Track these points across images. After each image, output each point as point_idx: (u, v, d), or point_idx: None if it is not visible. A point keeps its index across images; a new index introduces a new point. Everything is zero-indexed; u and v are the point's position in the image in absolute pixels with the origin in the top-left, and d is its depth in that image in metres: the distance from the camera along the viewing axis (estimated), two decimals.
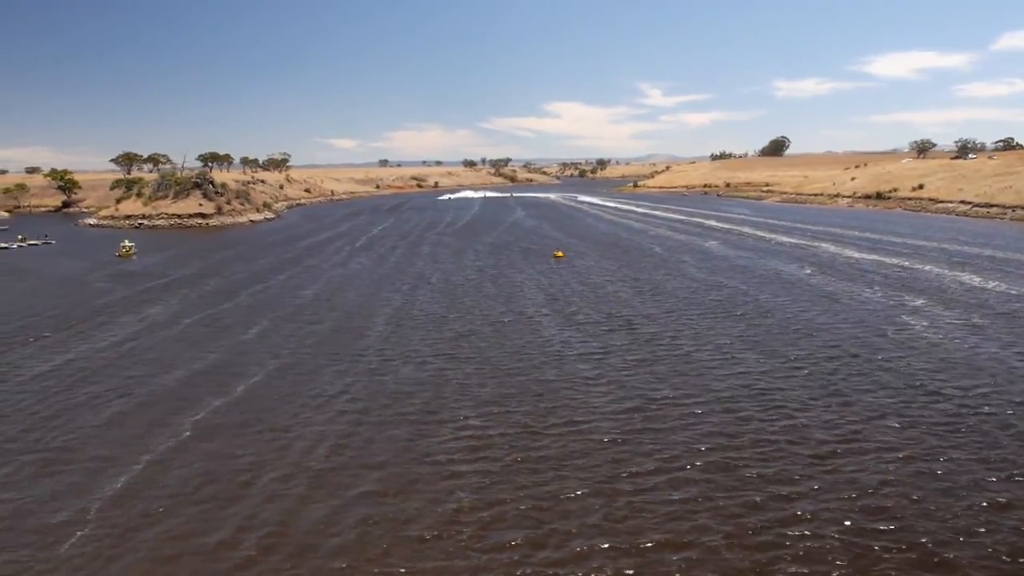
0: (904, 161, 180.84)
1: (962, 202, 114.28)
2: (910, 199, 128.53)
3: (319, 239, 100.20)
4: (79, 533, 19.60)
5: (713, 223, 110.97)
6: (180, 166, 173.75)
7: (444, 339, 39.23)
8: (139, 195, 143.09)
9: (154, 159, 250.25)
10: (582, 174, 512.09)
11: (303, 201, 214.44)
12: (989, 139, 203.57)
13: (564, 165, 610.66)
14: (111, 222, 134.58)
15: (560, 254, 76.22)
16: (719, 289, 52.34)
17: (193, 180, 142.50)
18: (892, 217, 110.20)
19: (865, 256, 68.10)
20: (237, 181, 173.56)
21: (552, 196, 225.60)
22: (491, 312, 46.16)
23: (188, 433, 26.26)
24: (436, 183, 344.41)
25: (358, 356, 36.16)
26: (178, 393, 30.84)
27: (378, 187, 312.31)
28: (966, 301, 45.84)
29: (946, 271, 57.46)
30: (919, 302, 45.81)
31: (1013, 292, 48.50)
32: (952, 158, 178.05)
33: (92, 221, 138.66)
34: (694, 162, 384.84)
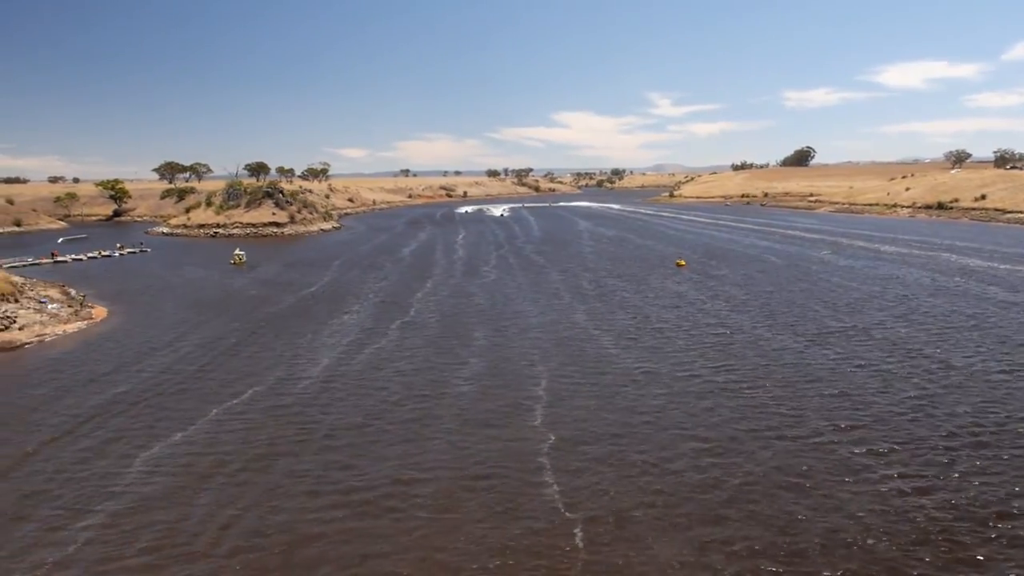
0: (953, 171, 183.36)
1: None
2: (974, 209, 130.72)
3: (411, 248, 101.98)
4: None
5: (797, 232, 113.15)
6: (235, 175, 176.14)
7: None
8: (209, 204, 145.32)
9: (195, 168, 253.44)
10: (599, 184, 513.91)
11: (349, 211, 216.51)
12: (996, 150, 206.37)
13: (578, 175, 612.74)
14: (184, 231, 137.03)
15: (682, 263, 78.46)
16: (903, 303, 54.33)
17: (264, 190, 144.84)
18: (973, 229, 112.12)
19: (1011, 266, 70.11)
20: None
21: (593, 205, 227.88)
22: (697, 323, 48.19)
23: None
24: (465, 192, 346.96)
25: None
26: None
27: (410, 196, 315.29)
28: None
29: None
30: None
31: None
32: (1006, 168, 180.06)
33: (164, 230, 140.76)
34: (715, 172, 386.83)
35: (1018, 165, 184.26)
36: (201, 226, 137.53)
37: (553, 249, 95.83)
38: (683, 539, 19.46)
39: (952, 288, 58.01)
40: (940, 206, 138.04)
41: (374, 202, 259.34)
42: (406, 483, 23.23)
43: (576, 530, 20.06)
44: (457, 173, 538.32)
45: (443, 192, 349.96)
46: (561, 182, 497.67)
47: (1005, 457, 24.06)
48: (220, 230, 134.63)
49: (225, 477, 23.89)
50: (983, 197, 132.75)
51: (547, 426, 28.34)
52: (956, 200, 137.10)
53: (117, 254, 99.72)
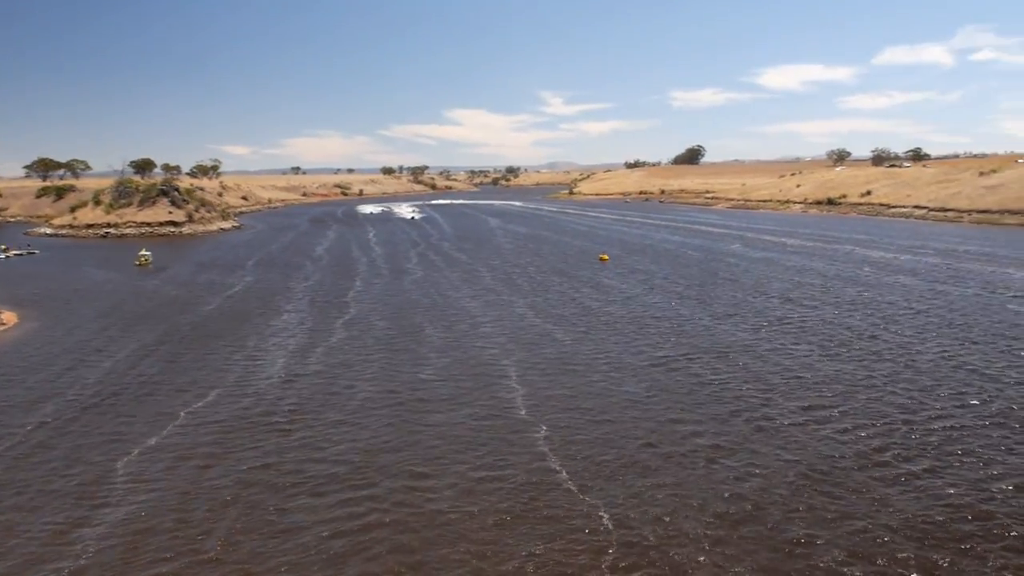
0: (837, 169, 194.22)
1: (916, 207, 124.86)
2: (861, 204, 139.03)
3: (324, 247, 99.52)
4: None
5: (702, 227, 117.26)
6: (120, 172, 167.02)
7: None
8: (98, 203, 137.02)
9: (71, 166, 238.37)
10: (495, 182, 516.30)
11: (244, 209, 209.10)
12: (867, 149, 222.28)
13: (473, 173, 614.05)
14: (71, 231, 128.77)
15: (605, 257, 79.80)
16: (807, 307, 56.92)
17: (159, 188, 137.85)
18: (863, 222, 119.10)
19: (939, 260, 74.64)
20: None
21: (495, 203, 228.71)
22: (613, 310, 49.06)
23: None
24: (361, 191, 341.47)
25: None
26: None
27: (304, 195, 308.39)
28: None
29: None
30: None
31: None
32: (885, 166, 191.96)
33: (47, 231, 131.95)
34: (609, 170, 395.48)
35: (896, 163, 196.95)
36: (90, 226, 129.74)
37: (472, 247, 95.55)
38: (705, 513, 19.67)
39: (865, 277, 61.39)
40: (830, 201, 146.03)
41: (269, 200, 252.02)
42: (418, 477, 22.51)
43: (603, 513, 19.95)
44: (350, 171, 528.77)
45: (338, 190, 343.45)
46: (456, 180, 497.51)
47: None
48: (112, 230, 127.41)
49: (210, 482, 22.49)
50: (868, 193, 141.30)
51: (533, 415, 28.17)
52: (844, 196, 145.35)
53: (3, 256, 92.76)
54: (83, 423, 28.23)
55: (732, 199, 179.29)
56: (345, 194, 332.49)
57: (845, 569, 17.03)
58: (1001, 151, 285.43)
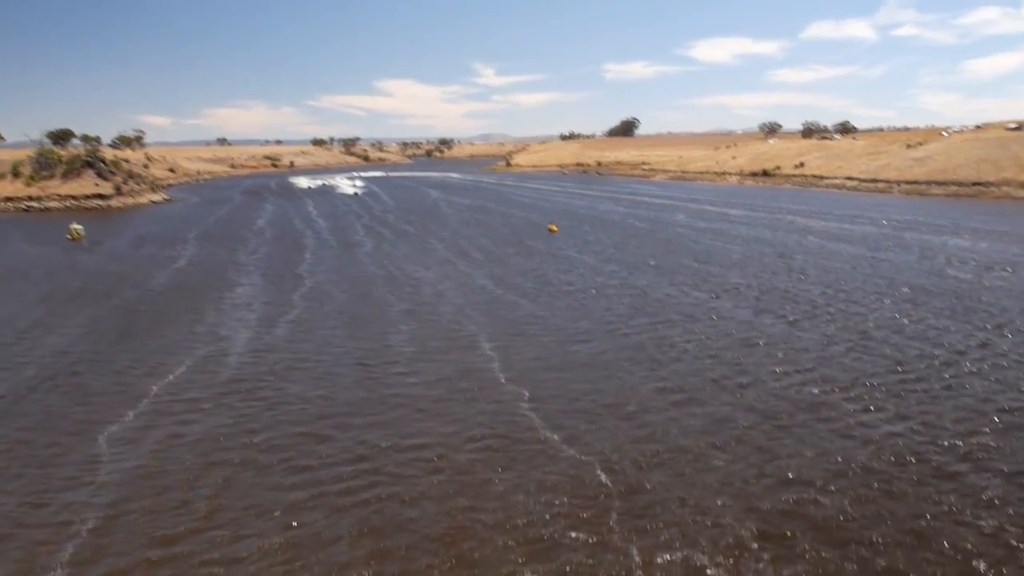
0: (771, 141, 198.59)
1: (848, 178, 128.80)
2: (795, 176, 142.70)
3: (265, 220, 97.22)
4: None
5: (645, 199, 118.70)
6: (39, 143, 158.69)
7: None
8: (17, 175, 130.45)
9: None
10: (428, 154, 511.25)
11: (171, 182, 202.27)
12: (796, 122, 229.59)
13: (405, 144, 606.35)
14: None
15: (554, 228, 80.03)
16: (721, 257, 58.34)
17: (84, 159, 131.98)
18: (799, 193, 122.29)
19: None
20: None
21: (432, 175, 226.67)
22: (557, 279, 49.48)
23: None
24: (292, 163, 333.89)
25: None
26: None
27: (232, 167, 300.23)
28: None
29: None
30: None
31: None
32: (817, 138, 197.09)
33: None
34: (544, 142, 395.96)
35: (827, 136, 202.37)
36: (9, 199, 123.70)
37: (419, 219, 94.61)
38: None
39: (811, 245, 63.23)
40: (765, 173, 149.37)
41: (198, 172, 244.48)
42: (406, 449, 22.29)
43: (601, 474, 20.15)
44: (278, 142, 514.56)
45: (268, 162, 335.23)
46: (389, 151, 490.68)
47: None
48: (34, 203, 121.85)
49: (201, 456, 21.85)
50: (802, 165, 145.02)
51: (515, 384, 28.12)
52: (778, 168, 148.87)
53: None
54: (47, 402, 26.97)
55: (669, 171, 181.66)
56: (275, 166, 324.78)
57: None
58: (922, 125, 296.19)
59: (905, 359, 29.99)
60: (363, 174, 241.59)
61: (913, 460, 20.75)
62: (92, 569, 16.34)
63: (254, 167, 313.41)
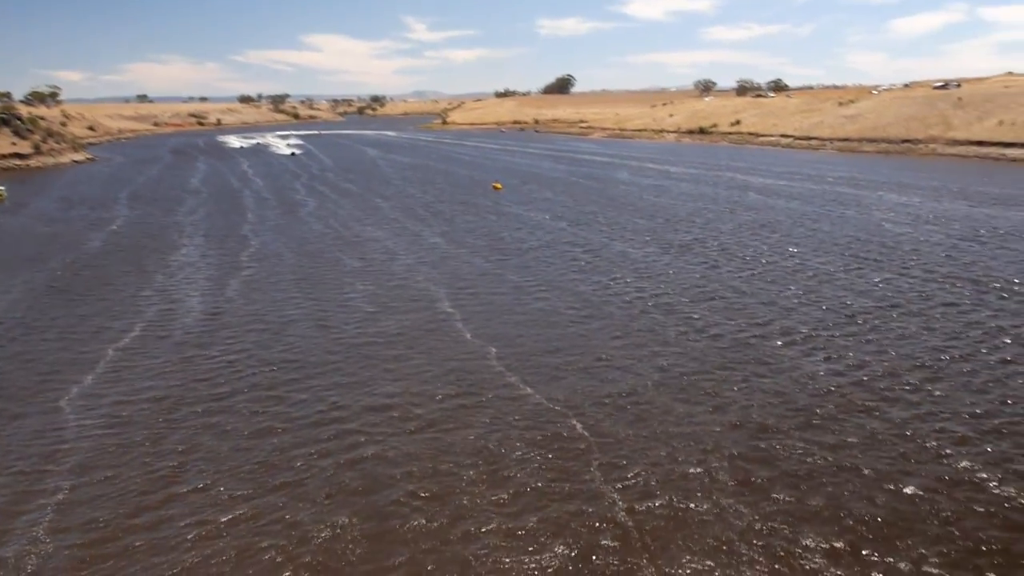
0: (707, 99, 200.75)
1: (783, 136, 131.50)
2: (731, 134, 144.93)
3: (199, 179, 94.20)
4: None
5: (585, 156, 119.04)
6: None
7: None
8: None
9: None
10: (360, 111, 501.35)
11: (92, 140, 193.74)
12: (728, 80, 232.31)
13: (336, 102, 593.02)
14: None
15: (499, 186, 79.77)
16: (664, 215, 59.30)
17: None
18: (737, 151, 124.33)
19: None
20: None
21: (367, 133, 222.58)
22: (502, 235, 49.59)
23: None
24: (219, 120, 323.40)
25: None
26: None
27: (156, 124, 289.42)
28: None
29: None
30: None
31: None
32: (752, 96, 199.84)
33: None
34: (480, 99, 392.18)
35: (762, 94, 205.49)
36: None
37: (360, 177, 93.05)
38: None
39: (753, 201, 64.63)
40: (702, 131, 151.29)
41: (119, 131, 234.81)
42: (381, 409, 22.19)
43: (575, 422, 20.43)
44: (203, 99, 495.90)
45: (193, 120, 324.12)
46: (319, 109, 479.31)
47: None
48: None
49: (167, 414, 21.34)
50: (738, 122, 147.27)
51: (479, 338, 28.16)
52: (715, 125, 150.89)
53: None
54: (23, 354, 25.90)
55: (607, 128, 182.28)
56: (201, 124, 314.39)
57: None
58: (850, 83, 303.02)
59: (848, 309, 31.07)
60: (296, 132, 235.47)
61: (845, 395, 21.62)
62: (65, 537, 15.88)
63: (179, 125, 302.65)
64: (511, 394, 22.81)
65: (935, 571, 14.16)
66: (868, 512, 16.09)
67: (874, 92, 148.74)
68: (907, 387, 22.60)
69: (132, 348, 27.68)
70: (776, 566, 14.43)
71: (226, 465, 18.75)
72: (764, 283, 35.81)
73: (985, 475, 17.46)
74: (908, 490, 16.96)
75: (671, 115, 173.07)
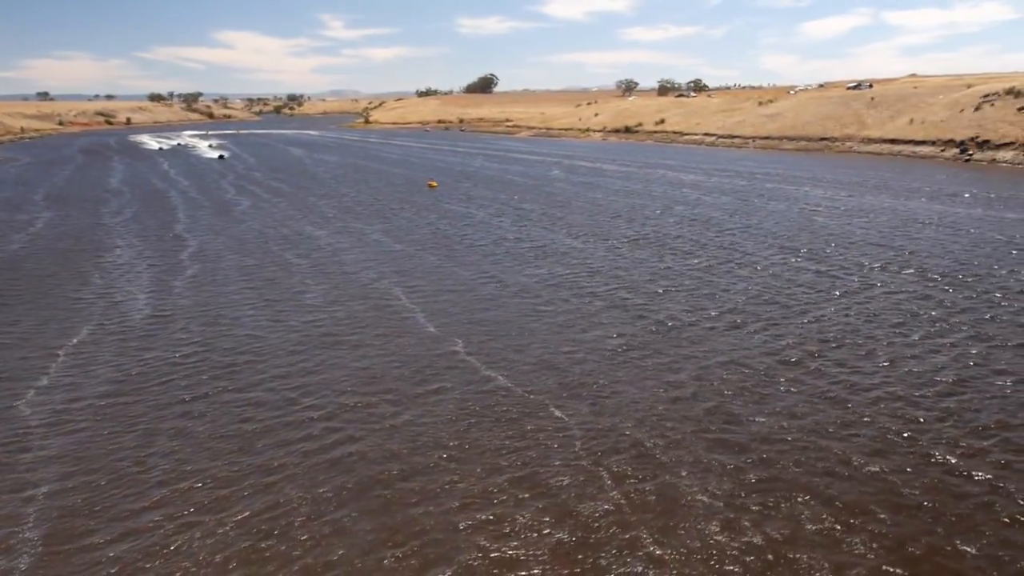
0: (631, 99, 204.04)
1: (706, 134, 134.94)
2: (656, 132, 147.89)
3: (119, 180, 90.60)
4: None
5: (516, 155, 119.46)
6: None
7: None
8: None
9: None
10: (277, 111, 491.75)
11: None
12: (649, 80, 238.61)
13: (251, 101, 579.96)
14: None
15: (434, 184, 79.38)
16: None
17: None
18: (664, 149, 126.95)
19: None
20: None
21: (288, 132, 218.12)
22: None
23: None
24: (128, 119, 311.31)
25: None
26: None
27: (61, 124, 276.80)
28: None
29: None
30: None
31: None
32: (674, 96, 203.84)
33: None
34: (401, 98, 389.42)
35: (684, 94, 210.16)
36: None
37: (290, 177, 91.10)
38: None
39: (687, 196, 66.19)
40: (627, 130, 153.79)
41: (22, 130, 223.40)
42: (361, 407, 21.80)
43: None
44: (109, 97, 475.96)
45: (101, 119, 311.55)
46: (234, 108, 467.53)
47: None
48: None
49: (133, 414, 20.45)
50: (662, 121, 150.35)
51: (440, 329, 27.98)
52: (640, 124, 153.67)
53: None
54: None
55: (534, 127, 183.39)
56: (110, 123, 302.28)
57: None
58: (765, 84, 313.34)
59: (780, 297, 32.17)
60: (213, 131, 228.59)
61: (771, 365, 22.47)
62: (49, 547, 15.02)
63: (86, 124, 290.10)
64: (486, 385, 22.74)
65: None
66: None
67: (791, 92, 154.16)
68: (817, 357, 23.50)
69: (83, 348, 26.37)
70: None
71: (199, 461, 18.07)
72: (701, 268, 36.71)
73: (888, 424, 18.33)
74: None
75: (596, 114, 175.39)
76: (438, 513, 16.03)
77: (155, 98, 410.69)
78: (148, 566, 14.31)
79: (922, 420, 19.92)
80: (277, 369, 24.49)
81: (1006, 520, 15.39)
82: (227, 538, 15.18)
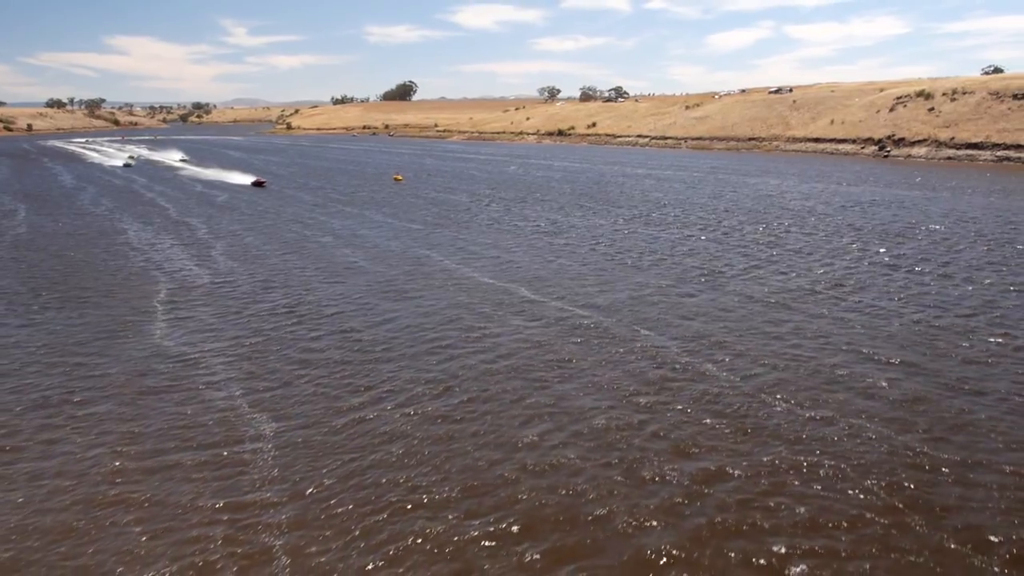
0: (559, 104, 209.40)
1: (640, 136, 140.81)
2: (590, 135, 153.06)
3: (66, 185, 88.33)
4: None
5: (465, 156, 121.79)
6: None
7: None
8: None
9: None
10: (184, 119, 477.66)
11: None
12: (564, 90, 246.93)
13: (154, 108, 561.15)
14: None
15: (399, 177, 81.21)
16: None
17: None
18: (600, 150, 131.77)
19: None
20: None
21: (211, 138, 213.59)
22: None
23: None
24: (29, 126, 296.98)
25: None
26: None
27: None
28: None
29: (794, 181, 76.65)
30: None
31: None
32: (601, 102, 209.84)
33: None
34: (316, 106, 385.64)
35: (611, 100, 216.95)
36: None
37: (253, 175, 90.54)
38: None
39: (642, 185, 70.35)
40: (560, 132, 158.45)
41: None
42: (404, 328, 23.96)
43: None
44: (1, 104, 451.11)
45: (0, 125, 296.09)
46: (137, 115, 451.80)
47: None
48: None
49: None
50: (594, 124, 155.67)
51: (521, 285, 30.35)
52: (572, 127, 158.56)
53: None
54: (89, 318, 25.09)
55: (466, 131, 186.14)
56: (9, 130, 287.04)
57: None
58: (678, 93, 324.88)
59: (776, 249, 36.19)
60: (132, 137, 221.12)
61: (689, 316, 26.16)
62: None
63: None
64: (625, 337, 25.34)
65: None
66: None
67: (716, 97, 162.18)
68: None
69: (172, 303, 27.56)
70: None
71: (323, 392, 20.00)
72: (671, 238, 40.43)
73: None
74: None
75: (528, 118, 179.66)
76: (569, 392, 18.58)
77: (55, 104, 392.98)
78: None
79: (848, 305, 23.44)
80: (329, 309, 26.33)
81: None
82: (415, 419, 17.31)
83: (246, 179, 79.56)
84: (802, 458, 15.38)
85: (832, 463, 15.13)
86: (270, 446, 16.25)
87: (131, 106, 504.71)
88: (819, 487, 14.31)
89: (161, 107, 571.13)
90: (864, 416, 17.35)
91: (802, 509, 13.56)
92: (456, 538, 12.84)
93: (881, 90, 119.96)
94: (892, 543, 12.56)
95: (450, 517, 13.47)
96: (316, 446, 16.20)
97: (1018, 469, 14.86)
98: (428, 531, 13.03)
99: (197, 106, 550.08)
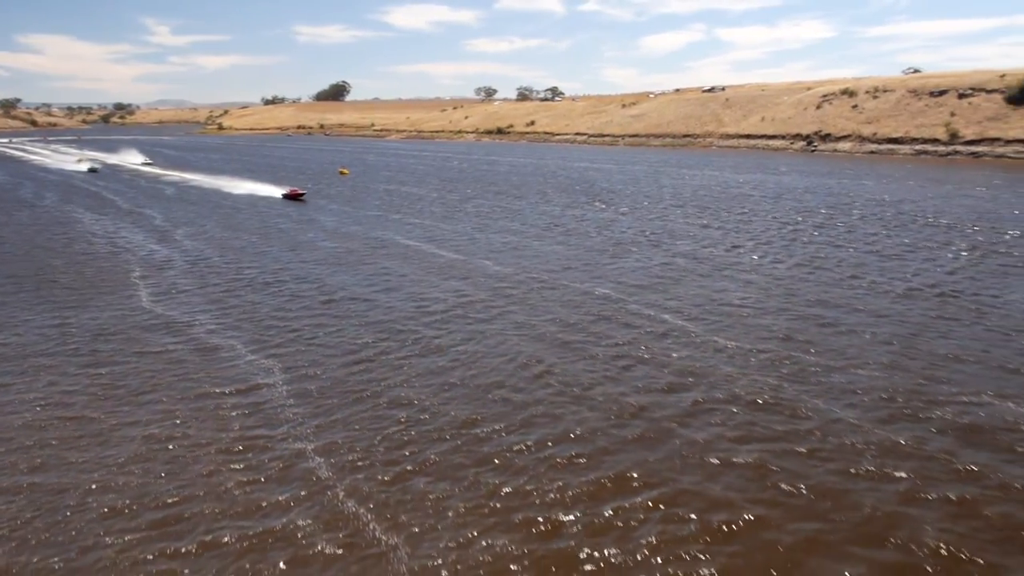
0: (496, 103, 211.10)
1: (578, 134, 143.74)
2: (528, 133, 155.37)
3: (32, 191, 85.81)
4: None
5: (405, 154, 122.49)
6: None
7: None
8: None
9: None
10: (106, 120, 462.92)
11: None
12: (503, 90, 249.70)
13: (72, 110, 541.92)
14: None
15: (346, 171, 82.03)
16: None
17: None
18: (540, 147, 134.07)
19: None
20: None
21: (142, 138, 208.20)
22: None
23: None
24: None
25: None
26: None
27: None
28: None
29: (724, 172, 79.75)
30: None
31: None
32: (539, 101, 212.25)
33: None
34: (246, 107, 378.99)
35: (548, 99, 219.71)
36: None
37: (209, 167, 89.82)
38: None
39: (596, 179, 72.85)
40: (499, 131, 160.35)
41: None
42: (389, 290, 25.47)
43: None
44: None
45: None
46: (55, 116, 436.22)
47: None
48: None
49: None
50: (533, 123, 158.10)
51: (461, 255, 31.95)
52: (511, 126, 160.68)
53: None
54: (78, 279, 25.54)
55: (404, 131, 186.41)
56: None
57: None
58: (613, 94, 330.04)
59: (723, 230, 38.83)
60: (53, 138, 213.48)
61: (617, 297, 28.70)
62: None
63: None
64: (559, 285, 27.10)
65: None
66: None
67: (651, 96, 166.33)
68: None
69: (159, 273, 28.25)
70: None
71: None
72: (633, 242, 42.82)
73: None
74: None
75: (466, 117, 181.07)
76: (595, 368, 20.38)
77: None
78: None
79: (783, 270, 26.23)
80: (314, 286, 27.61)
81: None
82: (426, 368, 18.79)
83: (275, 191, 61.47)
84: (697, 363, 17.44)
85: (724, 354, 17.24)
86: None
87: (49, 106, 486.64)
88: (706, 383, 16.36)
89: (80, 108, 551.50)
90: (752, 334, 19.57)
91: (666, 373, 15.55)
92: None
93: (809, 89, 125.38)
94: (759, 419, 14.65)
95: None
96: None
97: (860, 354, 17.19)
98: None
99: (119, 107, 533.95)
